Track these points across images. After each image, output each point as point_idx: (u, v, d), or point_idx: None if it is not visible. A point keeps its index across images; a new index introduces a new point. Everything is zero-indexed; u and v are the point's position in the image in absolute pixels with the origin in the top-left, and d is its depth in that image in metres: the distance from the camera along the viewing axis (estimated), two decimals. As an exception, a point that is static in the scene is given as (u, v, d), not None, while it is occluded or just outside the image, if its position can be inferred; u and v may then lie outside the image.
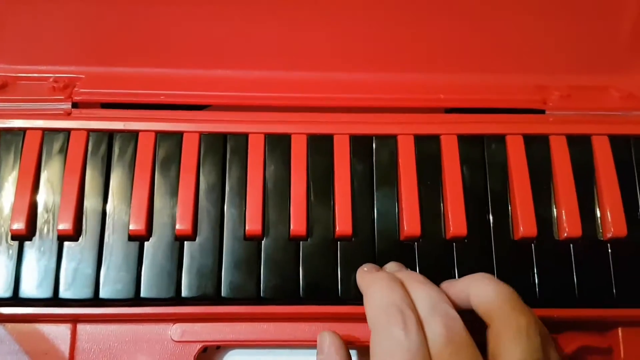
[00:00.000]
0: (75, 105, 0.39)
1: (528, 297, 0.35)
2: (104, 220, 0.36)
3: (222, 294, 0.35)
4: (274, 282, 0.35)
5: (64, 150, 0.37)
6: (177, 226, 0.35)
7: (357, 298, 0.33)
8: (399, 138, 0.38)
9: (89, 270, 0.35)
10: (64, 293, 0.34)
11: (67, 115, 0.39)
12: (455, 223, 0.36)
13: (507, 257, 0.36)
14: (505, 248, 0.36)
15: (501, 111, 0.40)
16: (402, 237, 0.36)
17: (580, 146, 0.38)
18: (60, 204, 0.36)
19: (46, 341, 0.35)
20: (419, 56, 0.41)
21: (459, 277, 0.33)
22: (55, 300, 0.34)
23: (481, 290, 0.29)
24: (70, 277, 0.35)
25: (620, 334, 0.37)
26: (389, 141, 0.38)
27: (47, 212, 0.36)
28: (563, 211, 0.37)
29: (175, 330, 0.35)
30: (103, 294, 0.35)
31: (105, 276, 0.35)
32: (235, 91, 0.40)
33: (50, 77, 0.40)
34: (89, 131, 0.37)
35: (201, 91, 0.40)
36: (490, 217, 0.37)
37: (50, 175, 0.37)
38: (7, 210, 0.36)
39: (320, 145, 0.38)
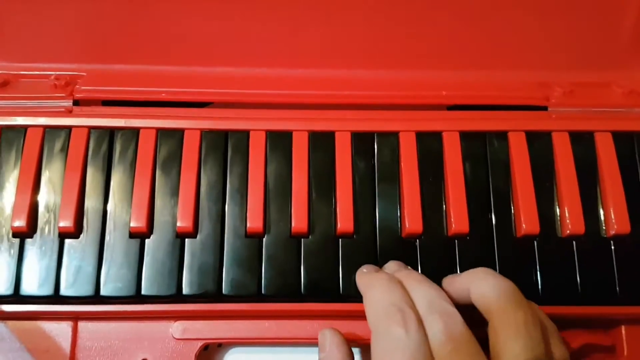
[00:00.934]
0: (76, 102, 0.39)
1: (531, 294, 0.35)
2: (105, 217, 0.36)
3: (223, 292, 0.35)
4: (275, 279, 0.35)
5: (65, 148, 0.37)
6: (178, 223, 0.35)
7: (358, 295, 0.33)
8: (401, 135, 0.38)
9: (90, 267, 0.35)
10: (65, 290, 0.34)
11: (69, 112, 0.39)
12: (458, 220, 0.36)
13: (509, 254, 0.36)
14: (508, 245, 0.36)
15: (503, 108, 0.40)
16: (403, 235, 0.36)
17: (583, 143, 0.38)
18: (61, 202, 0.36)
19: (47, 339, 0.35)
20: (421, 53, 0.41)
21: (461, 274, 0.33)
22: (56, 297, 0.34)
23: (480, 285, 0.29)
24: (72, 274, 0.35)
25: (623, 331, 0.37)
26: (391, 138, 0.38)
27: (48, 209, 0.36)
28: (566, 208, 0.36)
29: (176, 328, 0.35)
30: (104, 291, 0.34)
31: (106, 274, 0.35)
32: (236, 88, 0.40)
33: (52, 74, 0.40)
34: (90, 128, 0.37)
35: (202, 88, 0.40)
36: (493, 215, 0.37)
37: (51, 172, 0.36)
38: (8, 208, 0.36)
39: (322, 142, 0.38)
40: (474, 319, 0.28)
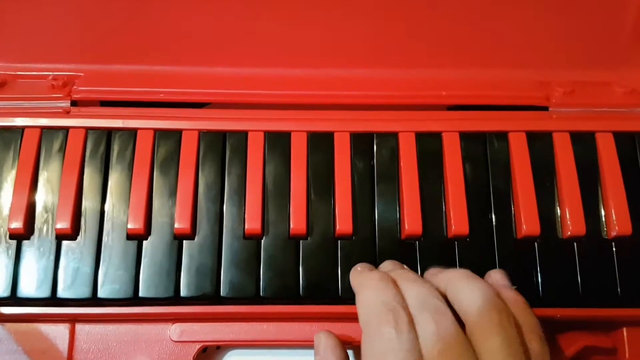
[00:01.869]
0: (74, 103, 0.39)
1: (531, 296, 0.34)
2: (102, 219, 0.36)
3: (222, 294, 0.35)
4: (274, 281, 0.35)
5: (62, 149, 0.37)
6: (176, 225, 0.35)
7: (357, 297, 0.33)
8: (400, 135, 0.38)
9: (88, 269, 0.35)
10: (62, 293, 0.34)
11: (66, 113, 0.39)
12: (457, 222, 0.36)
13: (510, 256, 0.36)
14: (508, 247, 0.36)
15: (504, 108, 0.40)
16: (403, 236, 0.36)
17: (584, 143, 0.38)
18: (58, 203, 0.35)
19: (45, 341, 0.35)
20: (420, 52, 0.41)
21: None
22: (53, 299, 0.34)
23: (455, 288, 0.29)
24: (69, 276, 0.35)
25: (625, 333, 0.36)
26: (390, 138, 0.38)
27: (45, 211, 0.36)
28: (567, 209, 0.36)
29: (174, 330, 0.35)
30: (101, 293, 0.34)
31: (104, 276, 0.35)
32: (234, 89, 0.40)
33: (49, 75, 0.40)
34: (88, 129, 0.37)
35: (200, 89, 0.40)
36: (493, 216, 0.36)
37: (48, 174, 0.36)
38: (5, 209, 0.36)
39: (321, 143, 0.37)
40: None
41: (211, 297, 0.34)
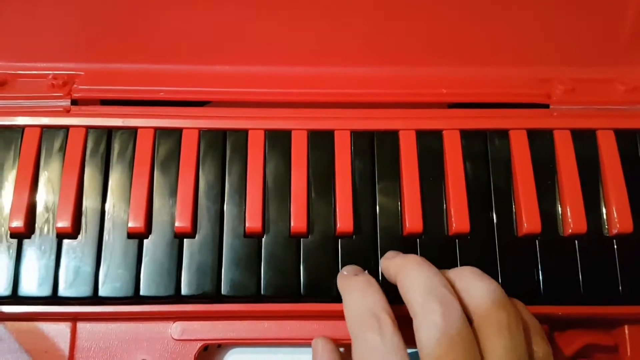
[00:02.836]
0: (74, 102, 0.39)
1: (532, 294, 0.35)
2: (103, 217, 0.36)
3: (222, 292, 0.34)
4: (275, 279, 0.35)
5: (63, 148, 0.37)
6: (177, 224, 0.35)
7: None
8: (401, 133, 0.38)
9: (88, 268, 0.35)
10: (63, 291, 0.34)
11: (67, 112, 0.39)
12: (458, 219, 0.36)
13: (510, 253, 0.36)
14: (509, 245, 0.36)
15: (504, 106, 0.40)
16: (404, 234, 0.36)
17: (585, 141, 0.38)
18: (58, 202, 0.35)
19: (46, 339, 0.35)
20: (421, 50, 0.41)
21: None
22: (54, 298, 0.34)
23: (465, 284, 0.29)
24: (70, 275, 0.34)
25: (626, 331, 0.36)
26: (391, 137, 0.38)
27: (46, 210, 0.36)
28: (568, 207, 0.36)
29: (175, 329, 0.35)
30: (102, 292, 0.34)
31: (105, 274, 0.35)
32: (234, 87, 0.40)
33: (50, 74, 0.40)
34: (88, 128, 0.37)
35: (200, 87, 0.40)
36: (494, 214, 0.36)
37: (49, 172, 0.36)
38: (6, 208, 0.36)
39: (321, 141, 0.37)
40: None
41: (212, 295, 0.34)
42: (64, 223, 0.35)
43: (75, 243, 0.35)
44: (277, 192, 0.36)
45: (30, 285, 0.34)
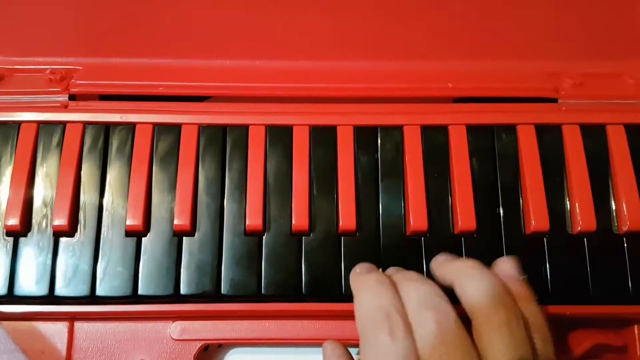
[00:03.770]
0: (72, 97, 0.39)
1: (540, 293, 0.34)
2: (100, 215, 0.35)
3: (222, 291, 0.34)
4: (276, 278, 0.34)
5: (60, 144, 0.37)
6: (176, 221, 0.35)
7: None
8: (405, 129, 0.37)
9: (86, 267, 0.34)
10: (60, 290, 0.34)
11: (64, 107, 0.38)
12: (464, 217, 0.35)
13: (518, 252, 0.35)
14: (516, 243, 0.35)
15: (512, 100, 0.39)
16: (408, 232, 0.35)
17: (594, 136, 0.37)
18: (55, 199, 0.35)
19: (43, 339, 0.34)
20: (426, 44, 0.40)
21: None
22: (51, 297, 0.34)
23: (463, 283, 0.29)
24: (67, 274, 0.34)
25: (636, 331, 0.36)
26: (395, 132, 0.37)
27: (42, 207, 0.35)
28: (576, 204, 0.36)
29: (174, 328, 0.35)
30: (100, 291, 0.34)
31: (102, 273, 0.34)
32: (235, 82, 0.39)
33: (47, 69, 0.40)
34: (86, 124, 0.37)
35: (200, 82, 0.39)
36: (501, 211, 0.36)
37: (46, 169, 0.36)
38: (1, 206, 0.35)
39: (323, 137, 0.37)
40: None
41: (212, 294, 0.34)
42: (61, 221, 0.34)
43: (73, 241, 0.35)
44: (278, 189, 0.36)
45: (27, 284, 0.34)
